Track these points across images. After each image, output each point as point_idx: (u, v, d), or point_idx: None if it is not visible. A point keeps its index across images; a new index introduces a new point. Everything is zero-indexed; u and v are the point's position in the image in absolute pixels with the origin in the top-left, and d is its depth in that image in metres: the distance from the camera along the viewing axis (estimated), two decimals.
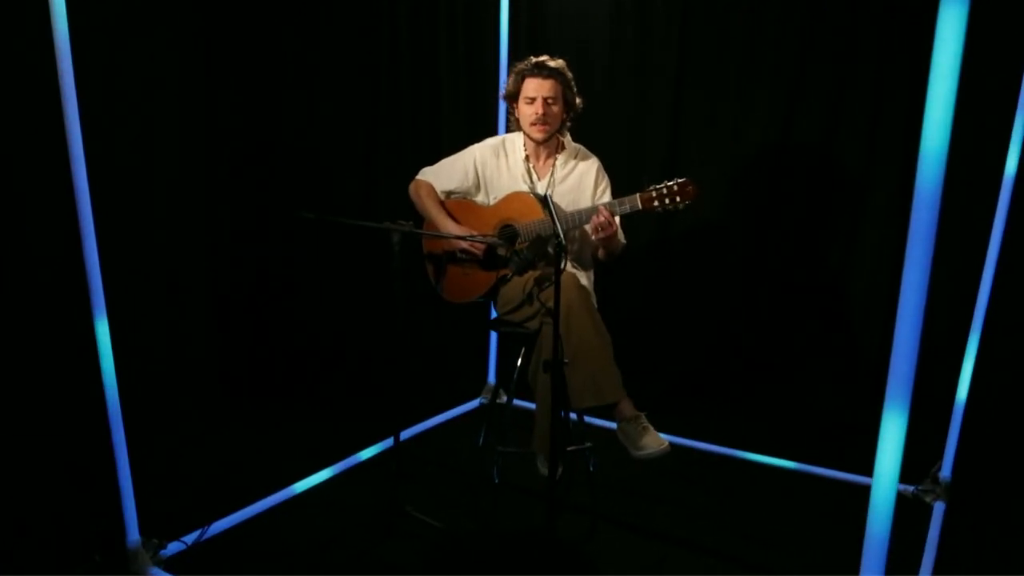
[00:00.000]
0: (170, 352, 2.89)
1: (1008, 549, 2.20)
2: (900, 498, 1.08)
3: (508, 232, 2.36)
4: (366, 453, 2.75)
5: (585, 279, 2.41)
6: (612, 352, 2.12)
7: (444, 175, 2.50)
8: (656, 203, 2.16)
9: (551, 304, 1.81)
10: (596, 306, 2.24)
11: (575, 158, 2.46)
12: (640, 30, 3.35)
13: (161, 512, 2.12)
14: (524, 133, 2.43)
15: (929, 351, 0.95)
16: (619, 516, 2.35)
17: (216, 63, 2.95)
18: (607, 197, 2.43)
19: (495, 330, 2.87)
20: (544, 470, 2.19)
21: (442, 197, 2.50)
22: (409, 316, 3.13)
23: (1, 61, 2.23)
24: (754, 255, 3.33)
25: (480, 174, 2.48)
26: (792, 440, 2.90)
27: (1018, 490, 2.50)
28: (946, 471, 2.41)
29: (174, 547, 2.04)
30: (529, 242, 2.04)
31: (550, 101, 2.32)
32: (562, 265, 1.75)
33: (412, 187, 2.53)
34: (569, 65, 2.38)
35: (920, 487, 2.43)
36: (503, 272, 2.35)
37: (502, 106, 3.10)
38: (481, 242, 2.32)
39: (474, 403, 3.37)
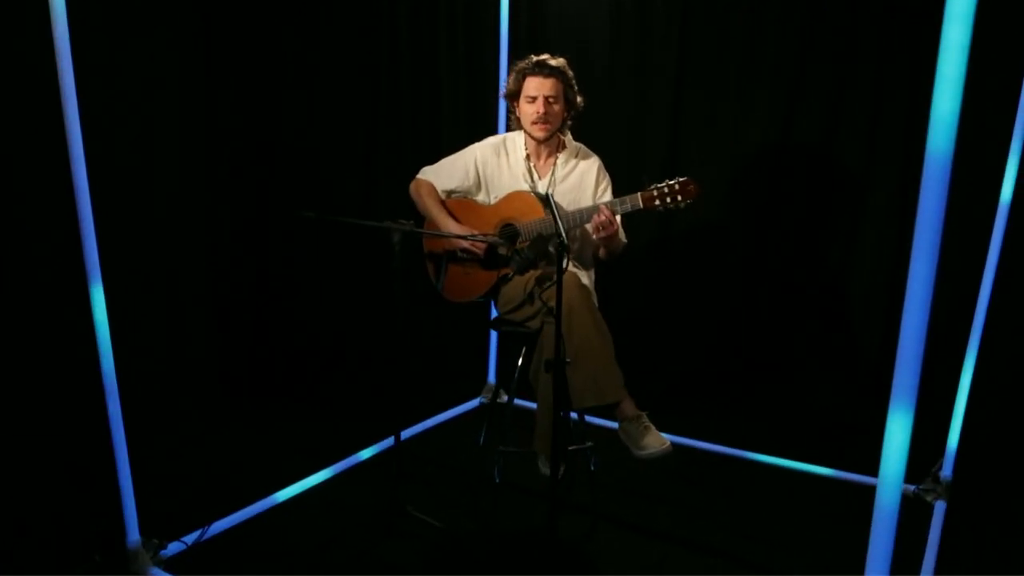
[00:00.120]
0: (170, 352, 2.89)
1: (1009, 548, 2.20)
2: (901, 497, 1.08)
3: (509, 231, 2.36)
4: (366, 453, 2.75)
5: (586, 278, 2.41)
6: (613, 351, 2.12)
7: (445, 174, 2.50)
8: (657, 202, 2.16)
9: (552, 303, 1.80)
10: (597, 305, 2.24)
11: (576, 157, 2.46)
12: (640, 30, 3.35)
13: (161, 512, 2.12)
14: (525, 132, 2.42)
15: (930, 350, 0.95)
16: (620, 516, 2.35)
17: (216, 63, 2.95)
18: (608, 196, 2.43)
19: (496, 329, 2.87)
20: (545, 470, 2.18)
21: (443, 196, 2.50)
22: (409, 316, 3.13)
23: (1, 61, 2.22)
24: (754, 255, 3.33)
25: (481, 173, 2.48)
26: (792, 440, 2.90)
27: (1018, 490, 2.50)
28: (947, 470, 2.41)
29: (174, 547, 2.04)
30: (530, 241, 2.04)
31: (551, 100, 2.32)
32: (564, 264, 1.75)
33: (412, 186, 2.53)
34: (570, 63, 2.38)
35: (921, 486, 2.43)
36: (504, 271, 2.35)
37: (502, 106, 3.10)
38: (482, 241, 2.32)
39: (474, 403, 3.37)
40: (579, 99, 2.41)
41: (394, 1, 3.43)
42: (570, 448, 2.32)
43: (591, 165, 2.46)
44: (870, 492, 1.09)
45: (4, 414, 2.28)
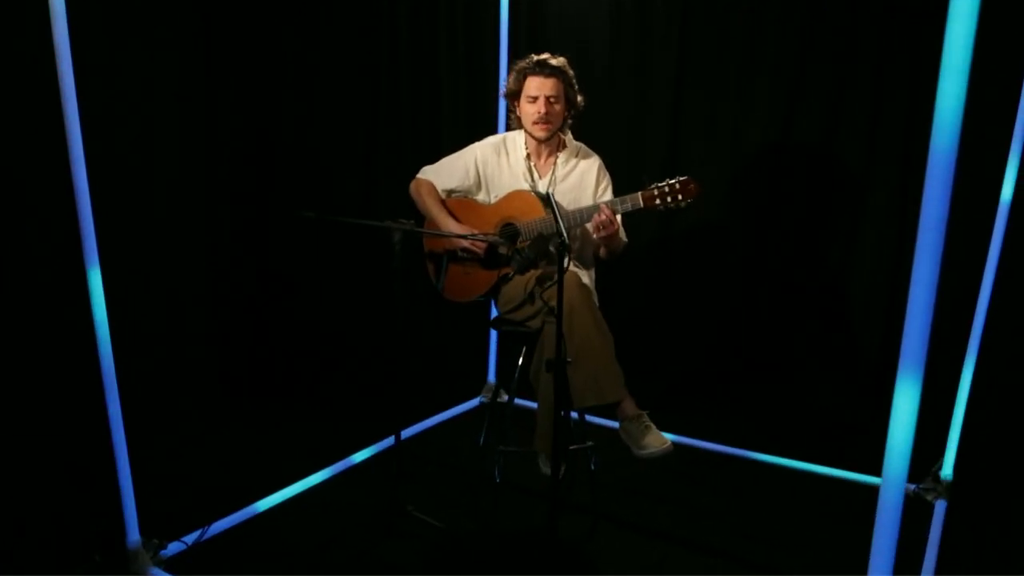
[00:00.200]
0: (170, 352, 2.89)
1: (1009, 548, 2.20)
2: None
3: (509, 231, 2.35)
4: (366, 453, 2.75)
5: (587, 278, 2.41)
6: (614, 351, 2.12)
7: (445, 174, 2.50)
8: (658, 201, 2.16)
9: (553, 303, 1.80)
10: (598, 305, 2.23)
11: (576, 156, 2.46)
12: (640, 30, 3.35)
13: (161, 512, 2.12)
14: (525, 131, 2.42)
15: (930, 350, 0.95)
16: (621, 516, 2.35)
17: (216, 63, 2.94)
18: (608, 195, 2.43)
19: (496, 329, 2.87)
20: (546, 469, 2.18)
21: (443, 196, 2.50)
22: (409, 315, 3.13)
23: (1, 61, 2.22)
24: (754, 255, 3.33)
25: (481, 172, 2.48)
26: (793, 439, 2.89)
27: (1018, 489, 2.50)
28: (947, 470, 2.41)
29: (174, 547, 2.03)
30: (531, 241, 2.04)
31: (552, 100, 2.32)
32: (565, 264, 1.74)
33: (413, 186, 2.53)
34: (570, 63, 2.38)
35: (921, 485, 2.43)
36: (504, 271, 2.35)
37: (502, 105, 3.10)
38: (482, 241, 2.32)
39: (474, 402, 3.37)
40: (580, 98, 2.41)
41: (394, 1, 3.43)
42: (571, 448, 2.31)
43: (591, 164, 2.45)
44: (870, 491, 1.09)
45: (4, 414, 2.28)
